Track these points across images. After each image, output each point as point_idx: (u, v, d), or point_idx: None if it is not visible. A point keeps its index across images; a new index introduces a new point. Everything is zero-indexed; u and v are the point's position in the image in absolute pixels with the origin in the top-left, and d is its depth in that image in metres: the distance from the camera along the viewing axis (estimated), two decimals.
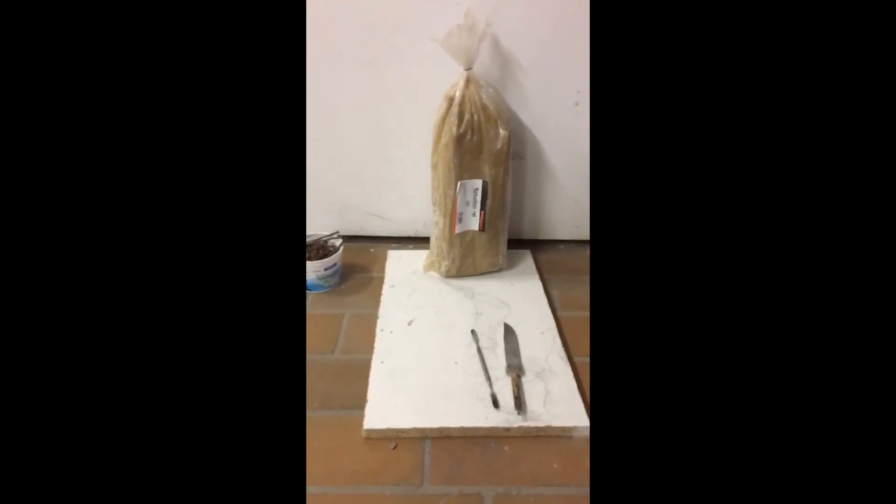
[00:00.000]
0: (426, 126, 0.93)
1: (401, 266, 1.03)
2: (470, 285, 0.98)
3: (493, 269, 1.02)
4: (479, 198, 0.95)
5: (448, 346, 0.84)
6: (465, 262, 0.99)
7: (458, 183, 0.92)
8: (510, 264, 1.04)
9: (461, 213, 0.95)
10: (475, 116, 0.90)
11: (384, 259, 1.05)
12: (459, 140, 0.90)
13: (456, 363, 0.81)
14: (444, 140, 0.91)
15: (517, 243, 1.09)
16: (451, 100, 0.90)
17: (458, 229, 0.96)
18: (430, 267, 1.02)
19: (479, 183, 0.94)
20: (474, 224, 0.97)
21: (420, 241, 1.08)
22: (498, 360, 0.82)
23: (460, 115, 0.89)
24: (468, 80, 0.89)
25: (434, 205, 0.97)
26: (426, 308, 0.92)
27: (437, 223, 0.97)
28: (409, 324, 0.89)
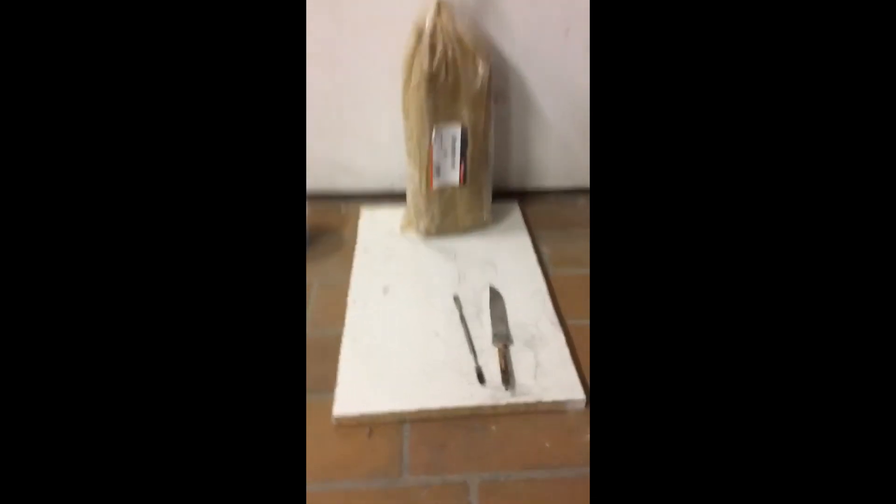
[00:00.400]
0: (395, 63, 0.80)
1: (375, 227, 0.93)
2: (452, 245, 0.89)
3: (476, 226, 0.92)
4: (457, 146, 0.84)
5: (428, 316, 0.76)
6: (446, 219, 0.90)
7: (433, 130, 0.81)
8: (496, 219, 0.95)
9: (438, 165, 0.85)
10: (449, 51, 0.77)
11: (356, 219, 0.95)
12: (432, 80, 0.78)
13: (437, 335, 0.73)
14: (414, 80, 0.78)
15: (503, 195, 0.99)
16: (420, 31, 0.77)
17: (435, 183, 0.86)
18: (407, 226, 0.92)
19: (457, 129, 0.82)
20: (454, 177, 0.86)
21: (396, 198, 0.98)
22: (483, 329, 0.74)
23: (432, 50, 0.76)
24: (440, 7, 0.76)
25: (408, 156, 0.86)
26: (403, 273, 0.83)
27: (412, 177, 0.87)
28: (385, 292, 0.80)
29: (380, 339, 0.72)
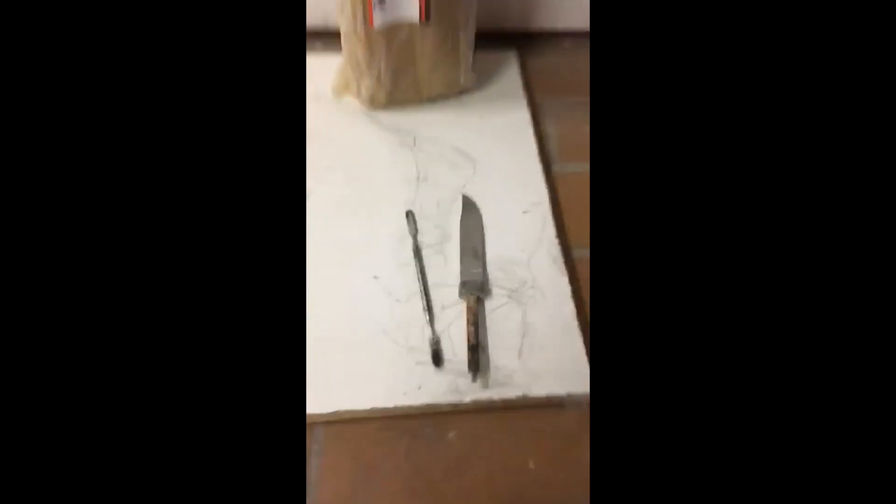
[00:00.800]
0: None
1: None
2: (410, 123, 0.59)
3: (450, 92, 0.61)
4: None
5: (365, 245, 0.49)
6: (402, 80, 0.58)
7: None
8: (481, 81, 0.62)
9: None
10: None
11: None
12: None
13: (375, 279, 0.48)
14: None
15: (495, 40, 0.65)
16: None
17: (378, 19, 0.52)
18: (342, 89, 0.60)
19: None
20: (410, 7, 0.52)
21: (333, 39, 0.64)
22: (448, 269, 0.48)
23: None
24: None
25: None
26: (333, 168, 0.55)
27: (343, 7, 0.52)
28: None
29: None
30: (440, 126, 0.58)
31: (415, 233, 0.50)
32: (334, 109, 0.59)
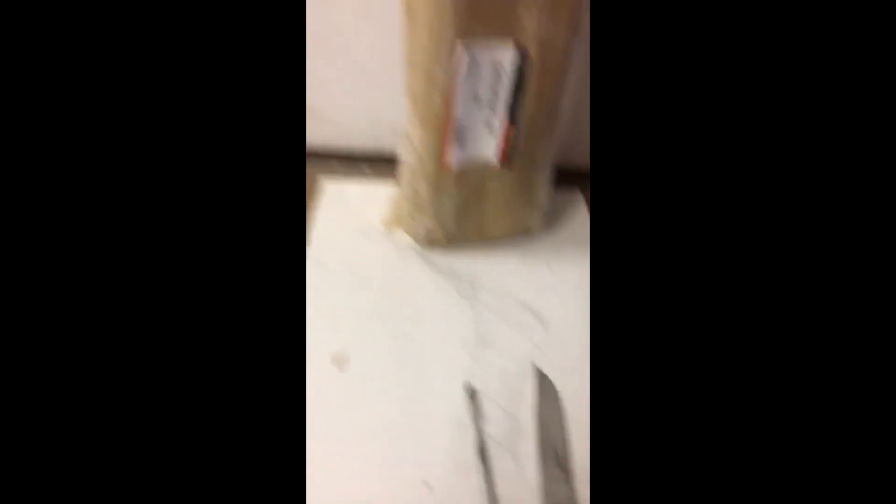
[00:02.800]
0: None
1: (342, 215, 0.54)
2: (469, 268, 0.50)
3: (516, 235, 0.53)
4: (504, 88, 0.43)
5: (413, 437, 0.38)
6: (466, 221, 0.50)
7: (460, 51, 0.40)
8: (551, 220, 0.55)
9: (463, 124, 0.44)
10: None
11: (314, 197, 0.56)
12: None
13: (428, 488, 0.36)
14: None
15: (565, 177, 0.59)
16: None
17: (455, 158, 0.45)
18: (396, 223, 0.52)
19: (507, 53, 0.41)
20: (489, 148, 0.46)
21: (383, 164, 0.58)
22: (522, 479, 0.37)
23: None
24: None
25: (409, 99, 0.44)
26: (381, 320, 0.45)
27: (411, 141, 0.46)
28: (340, 365, 0.42)
29: (316, 485, 0.35)
30: (503, 274, 0.50)
31: (477, 420, 0.39)
32: (383, 243, 0.52)
